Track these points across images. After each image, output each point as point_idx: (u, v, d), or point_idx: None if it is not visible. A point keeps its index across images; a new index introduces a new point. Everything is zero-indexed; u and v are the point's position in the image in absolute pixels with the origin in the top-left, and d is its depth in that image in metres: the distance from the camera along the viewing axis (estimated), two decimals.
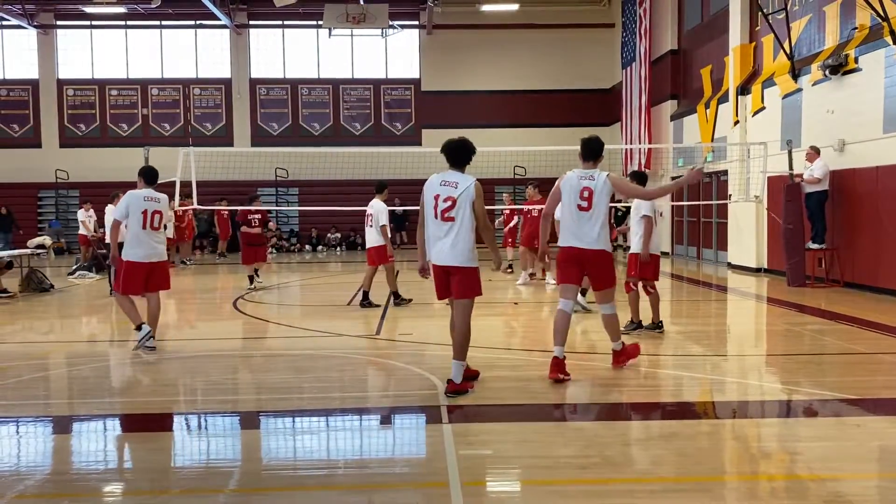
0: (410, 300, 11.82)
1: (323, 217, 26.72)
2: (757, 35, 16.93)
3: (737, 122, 17.30)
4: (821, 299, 12.07)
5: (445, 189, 6.13)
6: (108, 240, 10.33)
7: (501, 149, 21.66)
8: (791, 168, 14.08)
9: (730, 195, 17.34)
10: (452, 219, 6.09)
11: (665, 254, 21.79)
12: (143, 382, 7.22)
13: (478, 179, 6.26)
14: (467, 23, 27.60)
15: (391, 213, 27.37)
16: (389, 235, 11.68)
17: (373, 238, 11.66)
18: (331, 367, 7.67)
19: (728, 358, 8.04)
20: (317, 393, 6.64)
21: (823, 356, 8.07)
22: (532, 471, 4.59)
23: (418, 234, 6.45)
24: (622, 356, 7.16)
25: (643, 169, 22.75)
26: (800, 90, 14.89)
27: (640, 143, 23.07)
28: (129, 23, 27.94)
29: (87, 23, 27.90)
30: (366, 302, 11.68)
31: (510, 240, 17.69)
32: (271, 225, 14.91)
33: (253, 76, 28.46)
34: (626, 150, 24.11)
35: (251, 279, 14.48)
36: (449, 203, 6.08)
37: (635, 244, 8.93)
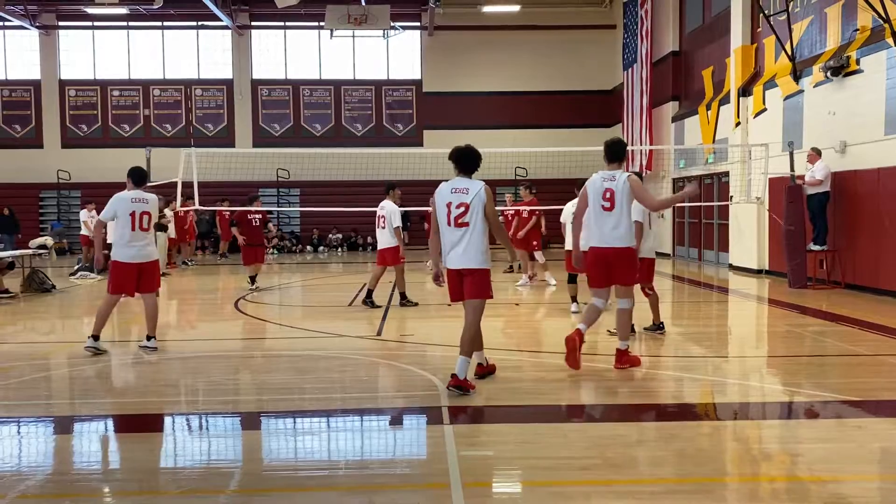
0: (416, 304, 11.80)
1: (324, 218, 26.72)
2: (758, 36, 16.93)
3: (738, 124, 17.29)
4: (822, 301, 12.06)
5: (457, 196, 6.30)
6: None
7: (502, 150, 21.65)
8: (792, 169, 14.08)
9: (731, 196, 17.34)
10: (466, 224, 6.26)
11: (666, 255, 21.80)
12: (144, 383, 7.22)
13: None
14: (469, 24, 27.61)
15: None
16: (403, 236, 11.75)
17: (385, 239, 11.70)
18: (332, 367, 7.67)
19: (729, 359, 8.04)
20: (318, 393, 6.64)
21: (824, 358, 8.06)
22: (533, 472, 4.59)
23: (432, 243, 6.62)
24: (624, 358, 7.15)
25: (644, 171, 22.77)
26: (801, 92, 14.88)
27: (641, 145, 23.06)
28: (131, 24, 27.96)
29: (89, 23, 27.93)
30: (368, 301, 11.68)
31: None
32: (270, 226, 14.90)
33: (254, 77, 28.47)
34: (627, 151, 24.06)
35: (252, 279, 14.48)
36: (462, 209, 6.25)
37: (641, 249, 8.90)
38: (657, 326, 8.98)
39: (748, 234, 16.89)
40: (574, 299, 10.88)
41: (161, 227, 16.61)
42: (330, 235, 27.58)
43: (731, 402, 6.52)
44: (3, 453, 5.21)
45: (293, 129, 28.44)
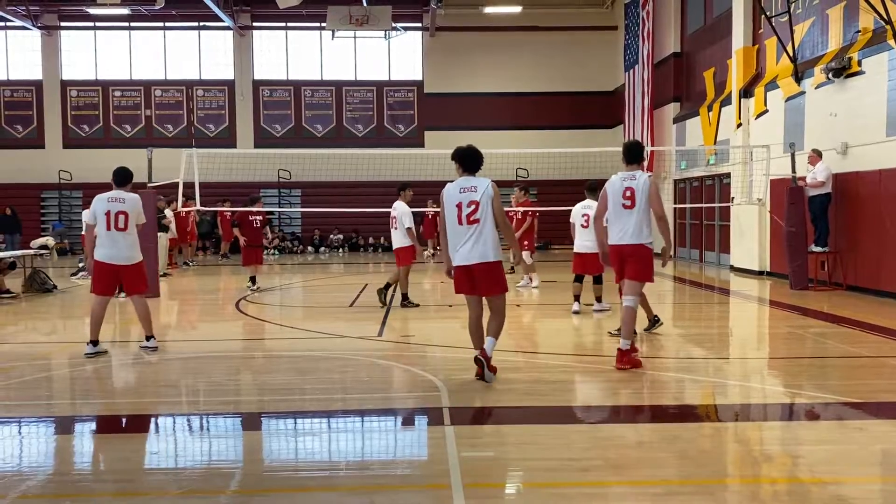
0: (417, 304, 11.79)
1: (325, 218, 26.75)
2: (760, 38, 16.92)
3: (739, 125, 17.29)
4: (823, 302, 12.05)
5: (466, 195, 6.53)
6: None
7: (504, 151, 21.63)
8: (794, 171, 14.07)
9: (732, 198, 17.33)
10: (477, 220, 6.49)
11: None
12: (144, 383, 7.22)
13: None
14: (470, 25, 27.62)
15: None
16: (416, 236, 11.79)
17: (398, 240, 11.76)
18: (333, 368, 7.67)
19: (730, 361, 8.04)
20: (318, 394, 6.64)
21: (826, 359, 8.05)
22: (534, 473, 4.58)
23: (442, 240, 6.86)
24: (626, 359, 7.13)
25: (646, 172, 22.72)
26: (803, 93, 14.88)
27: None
28: (133, 24, 27.98)
29: (91, 24, 27.96)
30: (406, 302, 11.76)
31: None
32: (268, 229, 14.92)
33: (256, 78, 28.49)
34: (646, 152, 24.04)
35: (253, 280, 14.50)
36: (472, 207, 6.48)
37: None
38: (654, 322, 8.94)
39: (749, 235, 16.88)
40: (577, 299, 10.88)
41: (162, 228, 16.63)
42: (331, 236, 27.59)
43: (732, 403, 6.52)
44: (4, 453, 5.21)
45: (294, 130, 28.45)
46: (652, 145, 22.50)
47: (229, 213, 22.19)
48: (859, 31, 13.12)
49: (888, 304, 11.65)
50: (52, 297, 13.85)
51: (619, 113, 25.89)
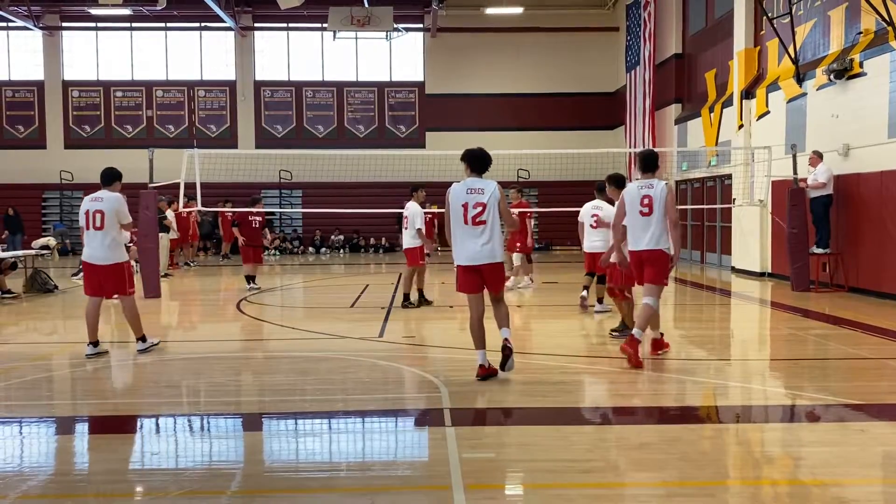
0: (416, 306, 11.79)
1: (326, 219, 26.76)
2: (761, 39, 16.92)
3: (741, 127, 17.28)
4: (825, 304, 12.04)
5: (473, 196, 6.71)
6: None
7: (505, 152, 21.57)
8: (795, 172, 14.06)
9: (734, 199, 17.32)
10: (484, 222, 6.69)
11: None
12: (145, 384, 7.22)
13: None
14: (472, 26, 27.63)
15: (398, 216, 27.45)
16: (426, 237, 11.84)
17: (408, 240, 11.85)
18: (333, 369, 7.67)
19: (731, 362, 8.03)
20: (319, 395, 6.64)
21: (827, 361, 8.05)
22: (535, 474, 4.58)
23: (447, 239, 7.00)
24: (633, 352, 7.30)
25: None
26: (804, 94, 14.87)
27: (643, 147, 23.05)
28: (134, 25, 28.01)
29: (93, 25, 27.99)
30: (406, 303, 11.82)
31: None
32: (266, 231, 14.95)
33: (257, 78, 28.51)
34: (630, 153, 24.07)
35: (250, 279, 14.51)
36: (479, 209, 6.68)
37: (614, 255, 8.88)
38: (625, 328, 8.90)
39: (751, 236, 16.87)
40: (586, 288, 11.07)
41: (163, 229, 16.64)
42: (332, 237, 27.60)
43: (734, 405, 6.51)
44: (5, 454, 5.21)
45: (296, 131, 28.47)
46: (653, 146, 22.50)
47: (230, 214, 22.25)
48: (861, 33, 13.12)
49: (889, 306, 11.64)
50: (52, 297, 13.87)
51: (621, 114, 25.89)
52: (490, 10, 26.38)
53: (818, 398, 6.31)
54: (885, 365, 7.62)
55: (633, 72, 24.60)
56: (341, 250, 27.37)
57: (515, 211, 15.06)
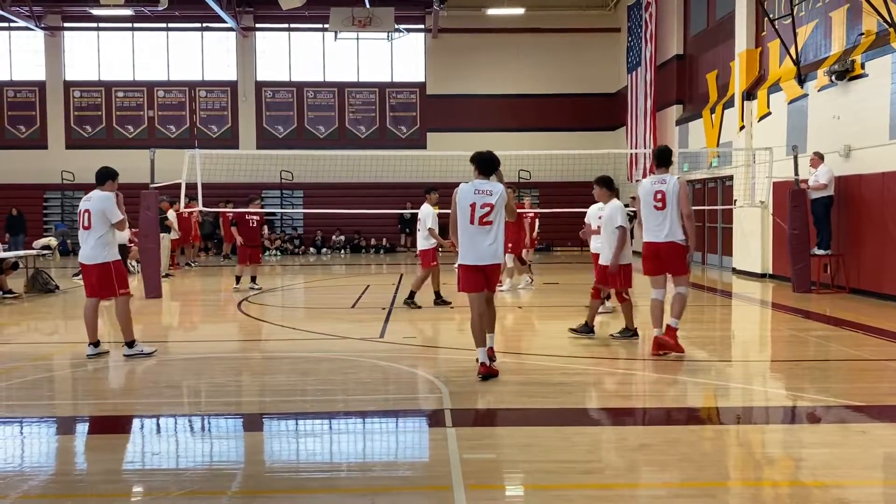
0: (420, 307, 11.75)
1: (327, 220, 26.77)
2: (763, 40, 16.91)
3: (742, 128, 17.28)
4: (826, 305, 12.03)
5: (481, 197, 6.89)
6: None
7: (506, 152, 21.50)
8: (797, 174, 14.05)
9: (735, 200, 17.31)
10: (490, 222, 6.88)
11: None
12: (146, 384, 7.22)
13: None
14: (473, 27, 27.64)
15: (399, 216, 27.42)
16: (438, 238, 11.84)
17: (421, 241, 11.90)
18: (334, 369, 7.67)
19: (733, 363, 8.02)
20: (320, 395, 6.64)
21: (828, 362, 8.05)
22: (536, 475, 4.58)
23: (451, 238, 7.22)
24: (667, 341, 7.75)
25: (648, 174, 22.73)
26: (806, 96, 14.87)
27: (645, 148, 23.03)
28: (136, 25, 28.04)
29: (94, 25, 28.02)
30: (438, 301, 11.87)
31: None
32: (265, 231, 14.97)
33: (259, 79, 28.53)
34: (631, 154, 24.09)
35: (238, 279, 14.57)
36: (487, 209, 6.86)
37: (606, 255, 8.86)
38: (631, 332, 8.89)
39: (752, 238, 16.87)
40: (607, 297, 11.03)
41: (164, 229, 16.64)
42: (333, 237, 27.61)
43: (735, 406, 6.51)
44: (6, 453, 5.22)
45: (297, 132, 28.49)
46: (654, 147, 22.48)
47: (231, 214, 22.26)
48: (862, 34, 13.11)
49: (890, 307, 11.63)
50: (54, 297, 13.87)
51: (622, 115, 25.88)
52: (491, 11, 26.39)
53: (819, 399, 6.31)
54: (886, 366, 7.61)
55: (634, 73, 24.60)
56: (342, 251, 27.38)
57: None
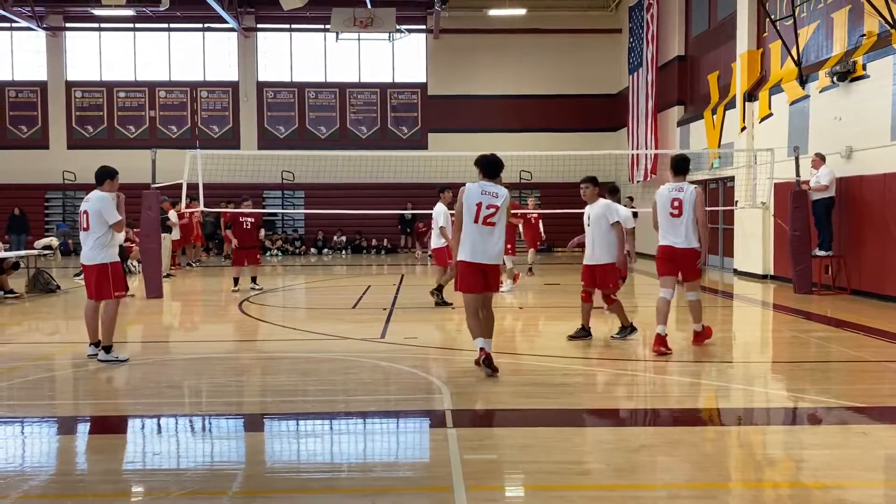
0: (451, 304, 11.64)
1: (329, 220, 26.78)
2: (764, 41, 16.91)
3: (744, 129, 17.27)
4: (827, 307, 12.02)
5: (487, 198, 7.05)
6: None
7: (507, 153, 21.43)
8: (798, 175, 14.05)
9: (736, 201, 17.30)
10: (494, 223, 7.04)
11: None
12: (147, 384, 7.22)
13: None
14: (474, 27, 27.64)
15: (400, 216, 27.40)
16: (450, 237, 11.82)
17: (434, 241, 12.03)
18: (335, 370, 7.67)
19: (734, 364, 8.02)
20: (321, 396, 6.64)
21: (829, 363, 8.04)
22: (536, 476, 4.58)
23: (453, 236, 7.37)
24: (702, 336, 8.46)
25: (649, 175, 22.74)
26: (807, 97, 14.86)
27: (646, 149, 23.04)
28: (137, 25, 28.07)
29: (96, 25, 28.05)
30: (439, 301, 11.88)
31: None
32: (261, 236, 14.97)
33: (260, 79, 28.55)
34: (633, 155, 24.08)
35: (236, 281, 14.54)
36: (492, 210, 7.03)
37: (598, 255, 8.78)
38: (629, 329, 8.93)
39: (753, 239, 16.86)
40: None
41: (166, 229, 16.65)
42: (334, 238, 27.62)
43: (736, 407, 6.50)
44: (7, 453, 5.22)
45: (298, 132, 28.50)
46: (656, 148, 22.49)
47: (226, 216, 22.26)
48: (864, 35, 13.11)
49: (892, 309, 11.62)
50: (55, 297, 13.88)
51: (623, 116, 25.88)
52: (493, 12, 26.39)
53: (820, 401, 6.30)
54: (887, 368, 7.61)
55: (635, 74, 24.59)
56: (343, 251, 27.38)
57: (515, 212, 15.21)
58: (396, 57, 28.77)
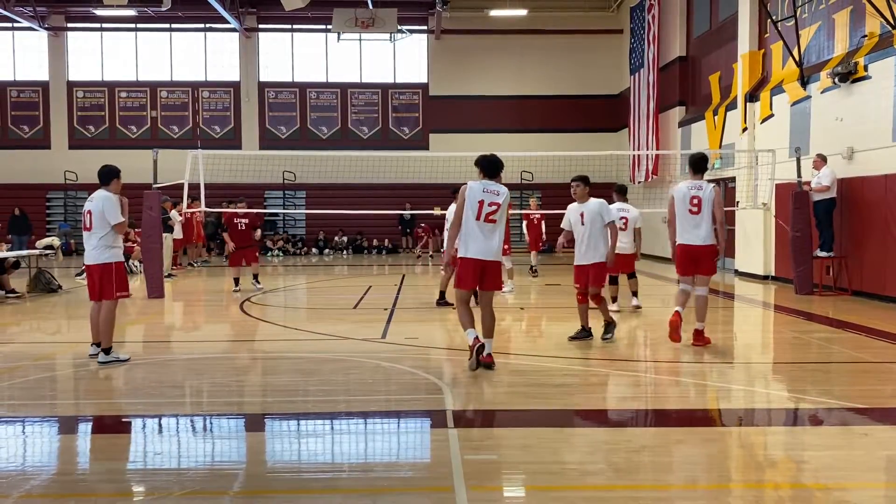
0: (452, 304, 11.67)
1: (330, 220, 26.79)
2: (766, 42, 16.90)
3: (745, 129, 17.26)
4: (828, 307, 12.02)
5: (489, 196, 7.22)
6: None
7: (508, 154, 21.49)
8: (799, 175, 14.04)
9: (737, 202, 17.30)
10: (495, 221, 7.21)
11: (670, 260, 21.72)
12: (148, 384, 7.22)
13: None
14: (476, 28, 27.65)
15: (399, 217, 27.41)
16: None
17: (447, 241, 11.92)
18: (336, 370, 7.67)
19: (735, 365, 8.01)
20: (322, 396, 6.64)
21: (831, 364, 8.03)
22: (537, 476, 4.58)
23: (451, 232, 7.43)
24: (701, 338, 8.42)
25: (650, 176, 22.74)
26: (808, 97, 14.85)
27: (647, 150, 23.04)
28: (139, 26, 28.09)
29: (98, 25, 28.07)
30: (441, 301, 11.95)
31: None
32: (257, 234, 14.95)
33: (261, 79, 28.56)
34: (634, 156, 24.08)
35: (236, 281, 14.52)
36: (494, 208, 7.19)
37: (592, 255, 8.76)
38: (612, 325, 8.94)
39: (755, 239, 16.85)
40: (614, 299, 11.27)
41: (167, 229, 16.66)
42: (335, 238, 27.62)
43: (737, 408, 6.50)
44: (8, 453, 5.23)
45: (299, 132, 28.51)
46: (657, 149, 22.49)
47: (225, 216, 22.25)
48: (866, 36, 13.10)
49: (893, 310, 11.61)
50: (56, 297, 13.89)
51: (625, 116, 25.88)
52: (494, 13, 26.39)
53: (821, 402, 6.30)
54: (888, 369, 7.60)
55: (636, 74, 24.59)
56: (344, 251, 27.39)
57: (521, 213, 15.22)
58: (398, 57, 28.78)
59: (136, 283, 14.56)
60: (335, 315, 11.90)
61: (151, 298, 13.27)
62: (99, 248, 7.79)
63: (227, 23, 26.04)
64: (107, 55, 28.40)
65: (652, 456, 4.96)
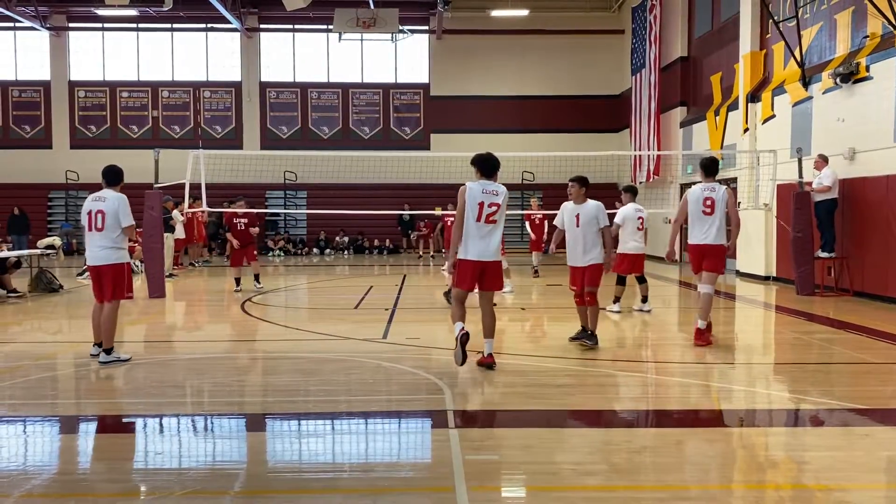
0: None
1: (331, 220, 26.79)
2: (767, 42, 16.90)
3: (746, 130, 17.26)
4: (830, 308, 12.01)
5: (488, 196, 7.23)
6: None
7: (510, 154, 21.60)
8: (801, 176, 14.03)
9: (739, 203, 17.27)
10: (495, 221, 7.25)
11: (674, 261, 21.69)
12: (149, 383, 7.22)
13: None
14: (477, 28, 27.65)
15: (398, 217, 27.39)
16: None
17: None
18: (337, 370, 7.67)
19: (736, 366, 8.01)
20: (323, 396, 6.64)
21: (832, 365, 8.03)
22: (538, 477, 4.58)
23: (454, 234, 7.33)
24: (703, 337, 8.49)
25: (652, 176, 22.73)
26: (810, 98, 14.84)
27: (649, 150, 23.03)
28: (141, 25, 28.11)
29: (99, 25, 28.10)
30: (449, 293, 11.85)
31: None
32: (254, 230, 14.96)
33: (263, 80, 28.58)
34: (635, 156, 24.07)
35: (237, 281, 14.54)
36: (494, 208, 7.21)
37: (589, 257, 8.65)
38: (592, 337, 8.51)
39: (756, 240, 16.84)
40: (617, 299, 11.29)
41: (168, 229, 16.67)
42: (336, 238, 27.62)
43: (738, 408, 6.50)
44: (9, 452, 5.23)
45: (301, 132, 28.54)
46: (658, 149, 22.49)
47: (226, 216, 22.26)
48: (867, 37, 13.09)
49: (894, 311, 11.60)
50: (58, 296, 13.90)
51: (626, 117, 25.88)
52: (495, 13, 26.40)
53: (823, 402, 6.29)
54: (890, 369, 7.60)
55: (638, 74, 24.59)
56: (345, 251, 27.39)
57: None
58: (399, 57, 28.79)
59: (137, 283, 14.56)
60: (336, 315, 11.90)
61: (152, 298, 13.28)
62: (110, 248, 7.78)
63: (229, 23, 26.06)
64: (108, 55, 28.43)
65: (652, 456, 4.95)
